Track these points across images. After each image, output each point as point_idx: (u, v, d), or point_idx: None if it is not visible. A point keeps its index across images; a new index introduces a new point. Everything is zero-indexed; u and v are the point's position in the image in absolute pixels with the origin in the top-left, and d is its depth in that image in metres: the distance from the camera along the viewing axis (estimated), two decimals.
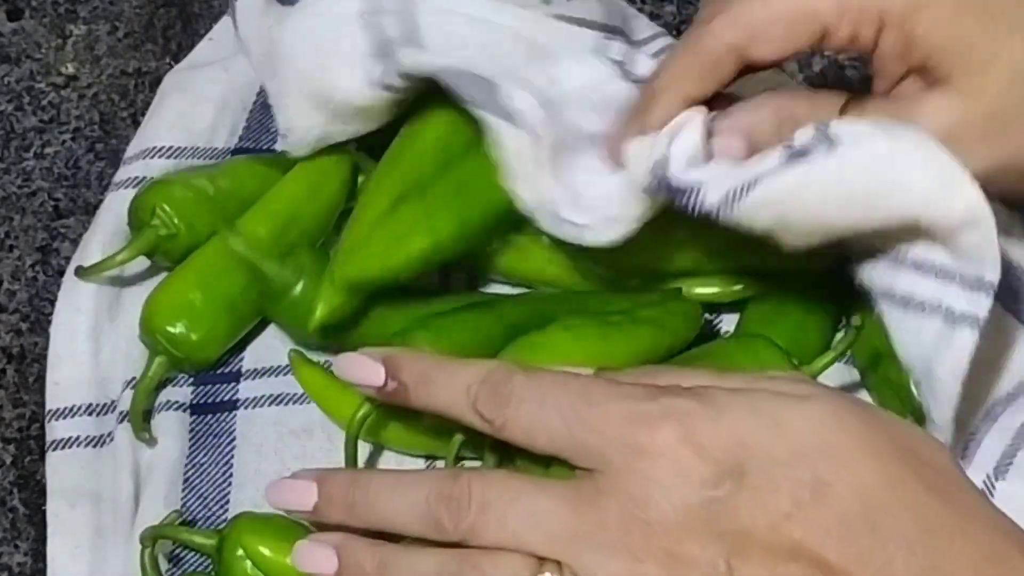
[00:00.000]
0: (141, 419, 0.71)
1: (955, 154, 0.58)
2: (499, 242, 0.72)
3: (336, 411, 0.70)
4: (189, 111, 0.78)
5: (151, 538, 0.66)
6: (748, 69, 0.64)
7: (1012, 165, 0.61)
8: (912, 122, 0.61)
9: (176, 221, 0.72)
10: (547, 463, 0.60)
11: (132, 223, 0.74)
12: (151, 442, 0.71)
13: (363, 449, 0.70)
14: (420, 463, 0.71)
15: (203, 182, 0.74)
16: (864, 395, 0.71)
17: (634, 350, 0.67)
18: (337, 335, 0.70)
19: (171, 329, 0.71)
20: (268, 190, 0.74)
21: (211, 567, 0.68)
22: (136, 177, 0.76)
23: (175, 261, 0.73)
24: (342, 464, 0.67)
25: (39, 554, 0.71)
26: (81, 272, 0.73)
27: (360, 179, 0.75)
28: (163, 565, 0.68)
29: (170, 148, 0.77)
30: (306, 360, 0.71)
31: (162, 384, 0.73)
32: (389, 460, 0.71)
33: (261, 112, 0.80)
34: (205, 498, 0.70)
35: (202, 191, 0.73)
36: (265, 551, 0.65)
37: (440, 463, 0.70)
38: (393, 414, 0.68)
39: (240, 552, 0.65)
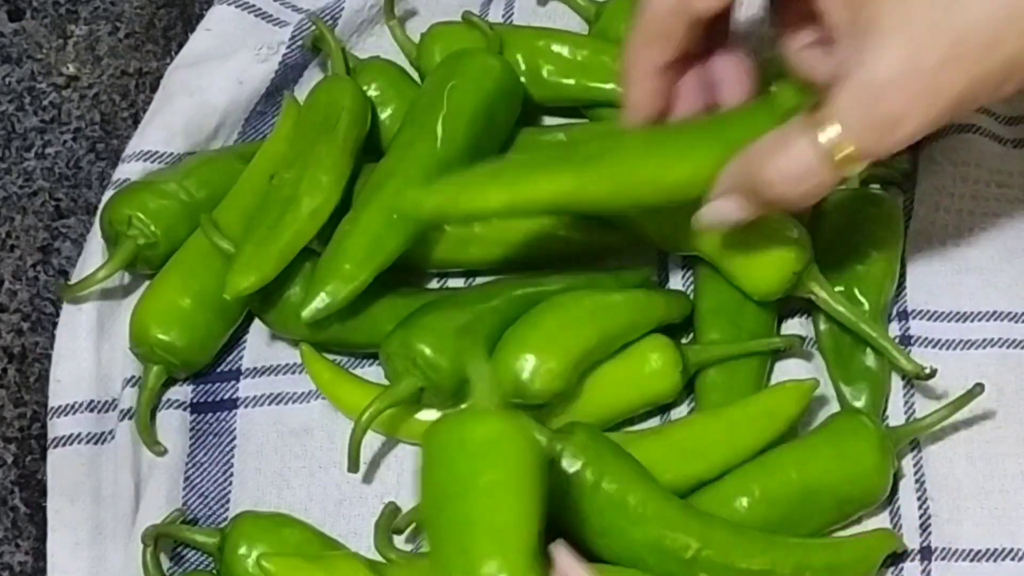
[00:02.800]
0: (149, 431, 0.71)
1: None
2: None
3: (345, 405, 0.71)
4: (195, 119, 0.78)
5: (153, 537, 0.67)
6: (705, 25, 0.64)
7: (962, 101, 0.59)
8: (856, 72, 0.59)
9: (153, 228, 0.73)
10: None
11: (107, 236, 0.74)
12: (161, 451, 0.71)
13: (373, 441, 0.71)
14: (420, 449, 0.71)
15: (172, 186, 0.74)
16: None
17: (625, 322, 0.69)
18: (328, 330, 0.70)
19: (165, 338, 0.71)
20: (234, 183, 0.75)
21: (213, 565, 0.68)
22: (132, 179, 0.76)
23: (155, 268, 0.73)
24: (342, 461, 0.68)
25: (40, 553, 0.71)
26: (64, 290, 0.74)
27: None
28: (164, 563, 0.68)
29: (170, 155, 0.77)
30: (316, 354, 0.72)
31: (163, 384, 0.73)
32: (389, 445, 0.71)
33: (257, 119, 0.80)
34: (206, 496, 0.71)
35: (174, 195, 0.73)
36: (267, 549, 0.66)
37: None
38: (402, 408, 0.69)
39: (242, 550, 0.66)
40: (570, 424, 0.66)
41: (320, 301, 0.68)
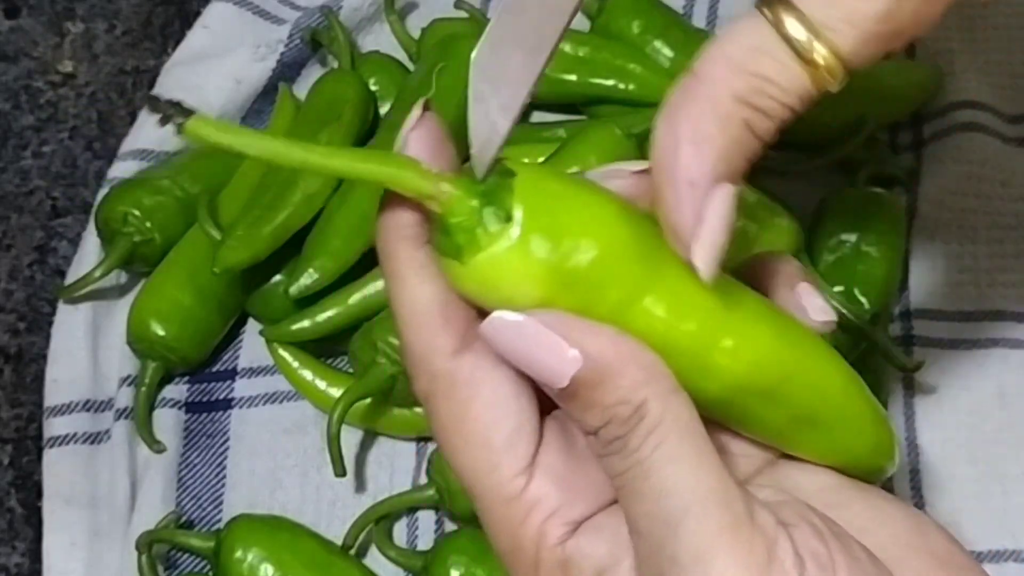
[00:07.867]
0: (148, 428, 0.71)
1: None
2: None
3: (320, 400, 0.71)
4: None
5: (147, 543, 0.66)
6: None
7: None
8: None
9: (148, 225, 0.72)
10: None
11: (103, 234, 0.73)
12: (160, 448, 0.71)
13: (355, 435, 0.71)
14: (411, 446, 0.71)
15: (166, 182, 0.74)
16: None
17: None
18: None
19: (164, 333, 0.71)
20: (228, 179, 0.75)
21: (208, 568, 0.68)
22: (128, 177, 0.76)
23: (152, 266, 0.73)
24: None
25: (36, 554, 0.70)
26: (62, 292, 0.73)
27: None
28: (160, 566, 0.68)
29: (166, 154, 0.77)
30: (288, 349, 0.71)
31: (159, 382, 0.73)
32: (382, 444, 0.71)
33: (254, 118, 0.80)
34: (199, 498, 0.70)
35: (169, 191, 0.73)
36: (262, 553, 0.65)
37: (432, 444, 0.70)
38: (379, 400, 0.69)
39: (238, 554, 0.65)
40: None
41: (308, 277, 0.69)
